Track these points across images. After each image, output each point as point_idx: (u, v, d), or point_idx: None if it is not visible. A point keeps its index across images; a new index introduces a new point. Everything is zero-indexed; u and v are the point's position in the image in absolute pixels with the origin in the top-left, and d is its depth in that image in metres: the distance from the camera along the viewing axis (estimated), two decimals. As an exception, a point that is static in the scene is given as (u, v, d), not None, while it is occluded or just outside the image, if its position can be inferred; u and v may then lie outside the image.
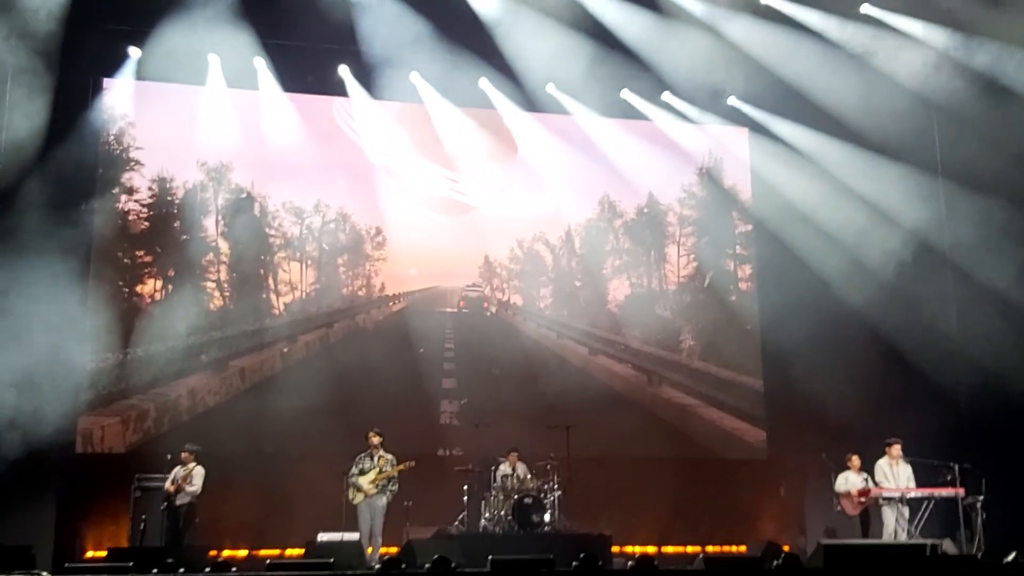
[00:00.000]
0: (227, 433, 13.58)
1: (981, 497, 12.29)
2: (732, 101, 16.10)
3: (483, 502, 13.15)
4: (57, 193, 13.35)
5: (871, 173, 14.96)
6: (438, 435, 14.91)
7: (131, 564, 8.39)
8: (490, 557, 8.30)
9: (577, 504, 13.59)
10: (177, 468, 12.42)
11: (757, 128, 16.18)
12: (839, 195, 15.12)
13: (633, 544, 14.18)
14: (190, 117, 14.82)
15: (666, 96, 15.95)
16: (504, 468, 13.47)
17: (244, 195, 15.09)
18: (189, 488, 12.25)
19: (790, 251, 15.43)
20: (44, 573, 8.17)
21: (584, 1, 14.38)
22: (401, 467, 12.64)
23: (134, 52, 14.40)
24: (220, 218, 15.00)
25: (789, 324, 14.85)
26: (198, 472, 12.33)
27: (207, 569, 8.33)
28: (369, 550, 11.91)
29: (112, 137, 14.68)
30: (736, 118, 16.27)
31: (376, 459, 12.65)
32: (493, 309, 15.80)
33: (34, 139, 12.96)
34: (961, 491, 12.36)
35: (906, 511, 12.57)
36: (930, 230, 14.77)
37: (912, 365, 14.16)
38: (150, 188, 14.79)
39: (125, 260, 14.62)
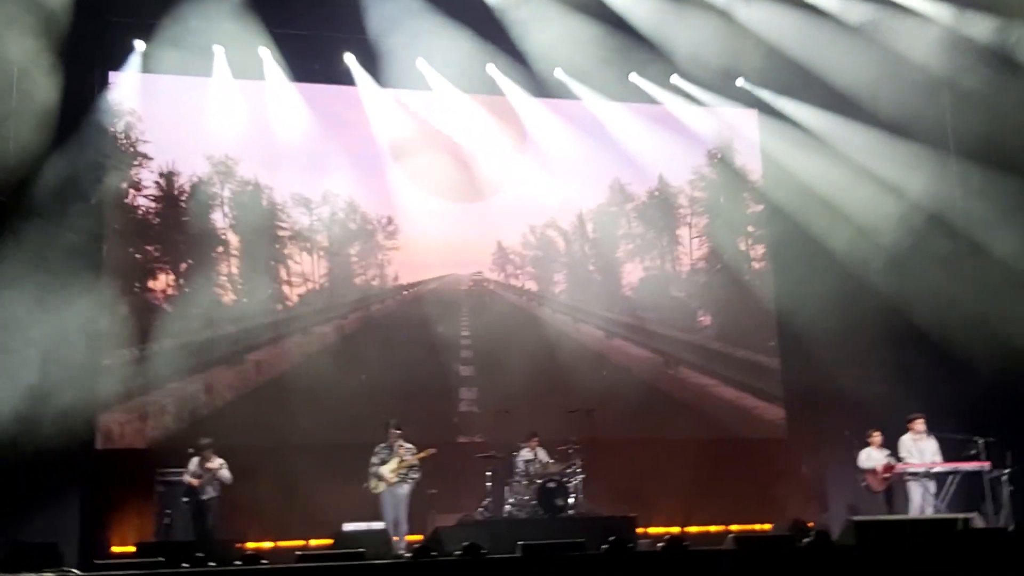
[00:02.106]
0: (246, 426, 13.57)
1: (1007, 470, 12.29)
2: (741, 83, 16.03)
3: (506, 488, 13.19)
4: (66, 190, 13.30)
5: (883, 151, 14.83)
6: (458, 423, 14.93)
7: (162, 559, 8.32)
8: (520, 542, 8.24)
9: (600, 487, 13.65)
10: (194, 461, 12.44)
11: (767, 109, 16.11)
12: (851, 173, 15.00)
13: (656, 525, 14.17)
14: (197, 109, 14.75)
15: (675, 79, 15.88)
16: (526, 453, 13.46)
17: (251, 187, 15.00)
18: (225, 475, 12.33)
19: (803, 229, 15.35)
20: (74, 571, 8.11)
21: (592, -16, 14.32)
22: (422, 454, 12.67)
23: (139, 45, 14.33)
24: (228, 211, 14.93)
25: (805, 302, 14.81)
26: (223, 465, 12.41)
27: (237, 562, 8.27)
28: (395, 539, 11.89)
29: (119, 132, 14.60)
30: (745, 99, 16.20)
31: (396, 448, 12.65)
32: (492, 287, 15.74)
33: (43, 135, 12.87)
34: (986, 464, 12.35)
35: (932, 486, 12.58)
36: (945, 206, 14.66)
37: (930, 340, 14.06)
38: (158, 183, 14.71)
39: (136, 256, 14.54)
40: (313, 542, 12.81)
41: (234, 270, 14.88)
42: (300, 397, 13.92)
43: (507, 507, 13.04)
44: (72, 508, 12.95)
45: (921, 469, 12.62)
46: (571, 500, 12.84)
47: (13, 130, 12.72)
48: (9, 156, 12.69)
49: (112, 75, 14.53)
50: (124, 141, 14.65)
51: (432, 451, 12.77)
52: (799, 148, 15.60)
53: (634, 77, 15.85)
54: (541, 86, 15.51)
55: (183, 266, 14.67)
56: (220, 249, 14.84)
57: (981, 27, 13.77)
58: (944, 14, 13.98)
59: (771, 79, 15.61)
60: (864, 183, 14.92)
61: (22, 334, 12.20)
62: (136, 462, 13.38)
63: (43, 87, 12.77)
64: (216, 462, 12.40)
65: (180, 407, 13.97)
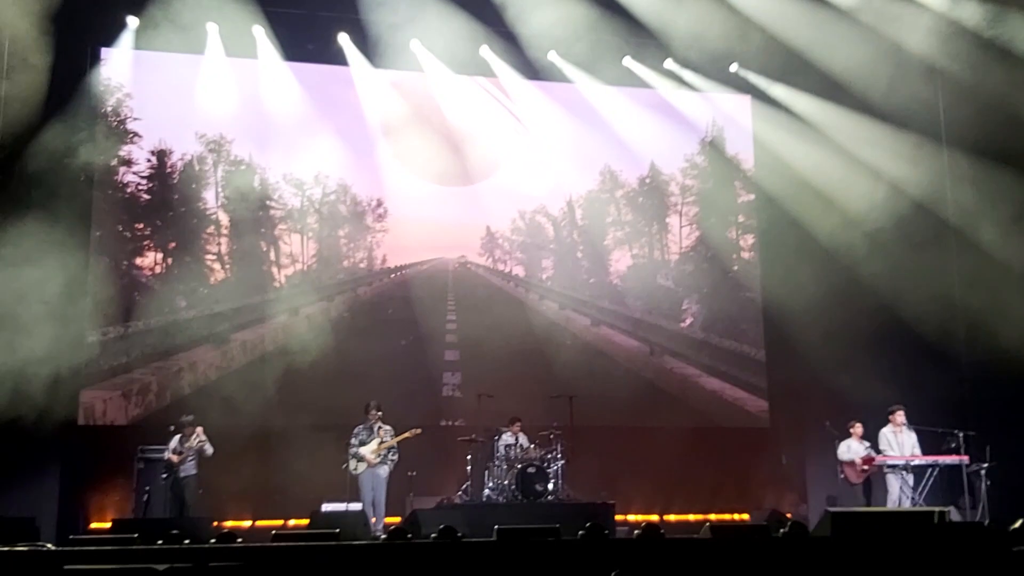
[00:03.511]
0: (229, 406, 13.46)
1: (985, 464, 12.34)
2: (735, 68, 15.99)
3: (486, 472, 13.22)
4: (56, 166, 13.26)
5: (874, 140, 14.78)
6: (441, 407, 14.92)
7: (136, 535, 8.33)
8: (496, 527, 8.26)
9: (580, 473, 13.69)
10: (175, 438, 12.46)
11: (760, 96, 16.08)
12: (842, 162, 14.98)
13: (635, 512, 14.22)
14: (189, 87, 14.71)
15: (668, 64, 15.84)
16: (507, 438, 13.48)
17: (243, 167, 14.98)
18: (207, 448, 12.35)
19: (792, 220, 15.37)
20: (48, 545, 8.12)
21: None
22: (407, 435, 12.72)
23: (132, 21, 14.27)
24: (220, 190, 14.90)
25: (791, 293, 14.78)
26: (206, 440, 12.43)
27: (212, 540, 8.28)
28: (373, 520, 11.93)
29: (110, 108, 14.55)
30: (739, 85, 16.16)
31: (376, 430, 12.70)
32: (478, 272, 15.75)
33: (32, 110, 12.81)
34: (965, 458, 12.40)
35: (910, 479, 12.62)
36: (934, 197, 14.62)
37: (915, 333, 14.05)
38: (149, 160, 14.68)
39: (125, 233, 14.54)
40: (292, 522, 12.89)
41: (223, 249, 14.85)
42: (283, 378, 13.93)
43: (487, 491, 13.07)
44: (52, 483, 13.00)
45: (900, 462, 12.65)
46: (551, 486, 12.87)
47: (2, 105, 12.65)
48: (-1, 129, 12.69)
49: (104, 51, 14.50)
50: (114, 118, 14.60)
51: (417, 431, 12.81)
52: (792, 135, 15.57)
53: (628, 61, 15.81)
54: (534, 69, 15.49)
55: (172, 244, 14.65)
56: (210, 228, 14.82)
57: (974, 14, 13.71)
58: (937, 1, 13.92)
59: (765, 65, 15.58)
60: (854, 172, 14.89)
61: (6, 308, 12.15)
62: (117, 439, 13.40)
63: (34, 61, 12.71)
64: (197, 438, 12.42)
65: (163, 385, 14.01)
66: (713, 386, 15.78)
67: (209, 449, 12.42)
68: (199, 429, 12.45)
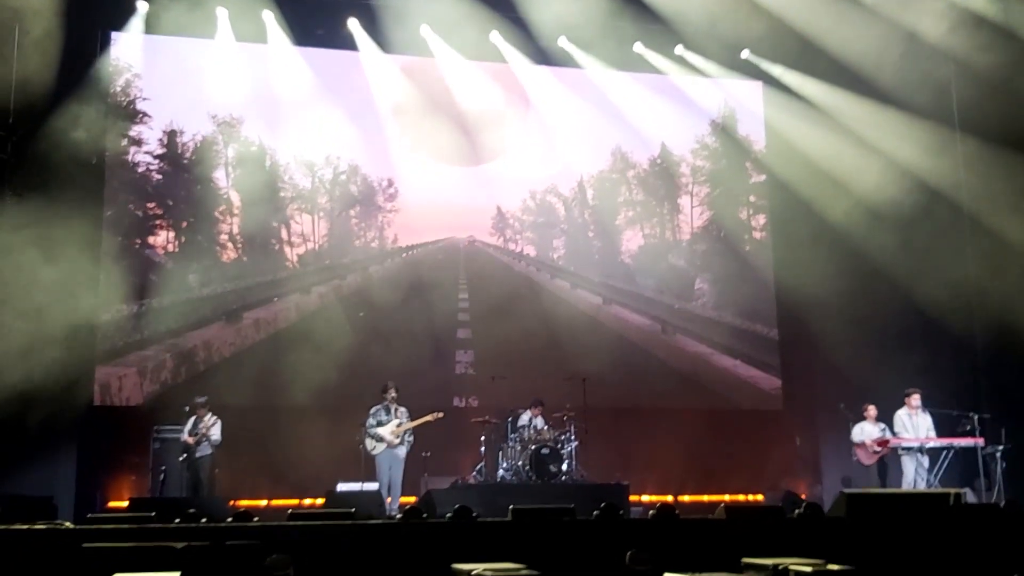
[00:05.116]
0: (243, 384, 13.58)
1: (1001, 447, 12.34)
2: (746, 55, 15.91)
3: (500, 452, 13.23)
4: (68, 146, 13.20)
5: (886, 125, 14.71)
6: (454, 385, 14.94)
7: (153, 514, 8.36)
8: (511, 506, 8.27)
9: (593, 454, 13.68)
10: (191, 420, 12.51)
11: (771, 82, 16.02)
12: (854, 147, 14.91)
13: (649, 493, 14.20)
14: (199, 70, 14.70)
15: (679, 50, 15.76)
16: (522, 419, 13.49)
17: (254, 147, 14.98)
18: (213, 438, 12.36)
19: (804, 203, 15.30)
20: (67, 523, 8.16)
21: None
22: (429, 418, 12.72)
23: (141, 6, 14.29)
24: (231, 170, 14.90)
25: (804, 273, 14.72)
26: (216, 423, 12.45)
27: (229, 519, 8.31)
28: (388, 500, 11.96)
29: (120, 88, 14.54)
30: (750, 72, 16.08)
31: (393, 411, 12.70)
32: (489, 252, 15.75)
33: (45, 92, 12.81)
34: (980, 441, 12.38)
35: (925, 461, 12.62)
36: (947, 183, 14.55)
37: (928, 315, 14.04)
38: (160, 140, 14.68)
39: (137, 212, 14.56)
40: (307, 501, 12.92)
41: (235, 229, 14.85)
42: (297, 356, 13.89)
43: (501, 472, 13.10)
44: (69, 463, 13.04)
45: (915, 444, 12.64)
46: (564, 467, 12.87)
47: (15, 87, 12.64)
48: (11, 112, 12.64)
49: (114, 35, 14.49)
50: (124, 98, 14.60)
51: (439, 414, 12.82)
52: (803, 121, 15.52)
53: (639, 48, 15.74)
54: (545, 54, 15.47)
55: (184, 223, 14.67)
56: (222, 208, 14.82)
57: (991, 4, 13.61)
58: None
59: (777, 51, 15.51)
60: (866, 156, 14.82)
61: (22, 288, 12.17)
62: (133, 418, 13.44)
63: (46, 44, 12.70)
64: (209, 421, 12.46)
65: (178, 362, 14.05)
66: (726, 364, 15.78)
67: (215, 437, 12.46)
68: (213, 419, 12.51)
